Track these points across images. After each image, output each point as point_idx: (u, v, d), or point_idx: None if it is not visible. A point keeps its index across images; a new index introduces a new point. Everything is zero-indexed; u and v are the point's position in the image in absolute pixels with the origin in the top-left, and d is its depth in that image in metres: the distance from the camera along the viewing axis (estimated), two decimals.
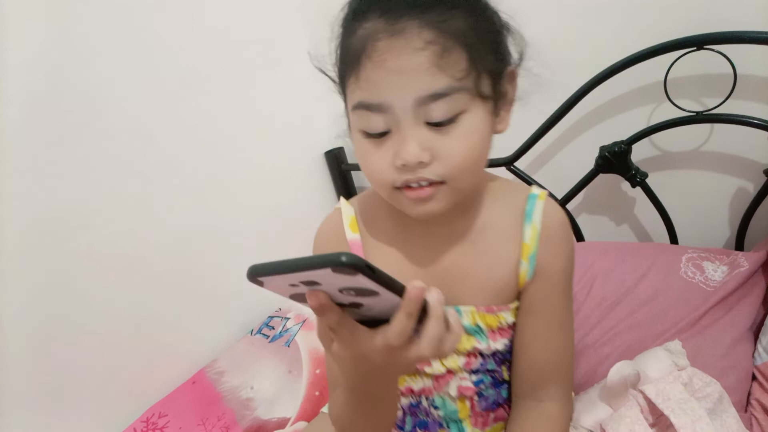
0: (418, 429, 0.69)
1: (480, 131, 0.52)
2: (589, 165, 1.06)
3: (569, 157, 1.15)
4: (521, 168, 1.15)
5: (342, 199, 0.68)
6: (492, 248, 0.61)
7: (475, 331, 0.62)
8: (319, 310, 0.39)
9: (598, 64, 0.99)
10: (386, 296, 0.37)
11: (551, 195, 0.67)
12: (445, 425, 0.67)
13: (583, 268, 0.98)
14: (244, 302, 1.30)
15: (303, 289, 0.37)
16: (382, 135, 0.51)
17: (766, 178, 0.93)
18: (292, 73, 1.32)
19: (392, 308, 0.38)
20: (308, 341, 1.17)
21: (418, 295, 0.38)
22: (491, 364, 0.64)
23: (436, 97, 0.48)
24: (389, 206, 0.58)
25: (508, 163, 1.15)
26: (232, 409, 1.05)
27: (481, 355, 0.63)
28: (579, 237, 1.16)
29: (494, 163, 1.14)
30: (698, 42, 0.89)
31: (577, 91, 1.02)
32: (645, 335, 0.84)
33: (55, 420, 0.99)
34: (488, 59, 0.51)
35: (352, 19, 0.51)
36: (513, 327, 0.63)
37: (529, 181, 1.14)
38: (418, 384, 0.66)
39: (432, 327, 0.40)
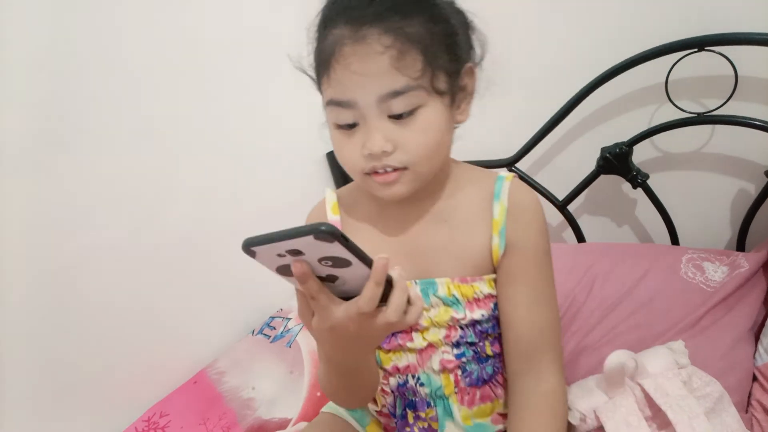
0: (407, 410, 0.71)
1: (437, 123, 0.59)
2: (591, 166, 1.07)
3: (570, 158, 1.15)
4: (523, 169, 1.15)
5: (328, 189, 0.76)
6: (464, 224, 0.66)
7: (452, 302, 0.65)
8: (301, 278, 0.44)
9: (600, 65, 0.99)
10: (358, 268, 0.43)
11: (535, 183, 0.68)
12: (432, 403, 0.69)
13: (583, 268, 0.98)
14: (246, 302, 1.30)
15: (288, 259, 0.43)
16: (352, 127, 0.59)
17: (767, 179, 0.93)
18: (294, 74, 1.32)
19: (363, 282, 0.45)
20: (310, 342, 1.17)
21: (384, 265, 0.44)
22: (471, 337, 0.66)
23: (395, 94, 0.55)
24: (368, 192, 0.66)
25: (510, 164, 1.15)
26: (233, 409, 1.06)
27: (461, 327, 0.66)
28: (580, 238, 1.16)
29: (496, 164, 1.15)
30: (699, 43, 0.89)
31: (579, 93, 1.03)
32: (645, 336, 0.84)
33: (56, 420, 1.00)
34: (443, 59, 0.58)
35: (323, 27, 0.59)
36: (490, 298, 0.66)
37: (530, 182, 1.14)
38: (402, 361, 0.69)
39: (396, 296, 0.47)
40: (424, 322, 0.66)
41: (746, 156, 0.98)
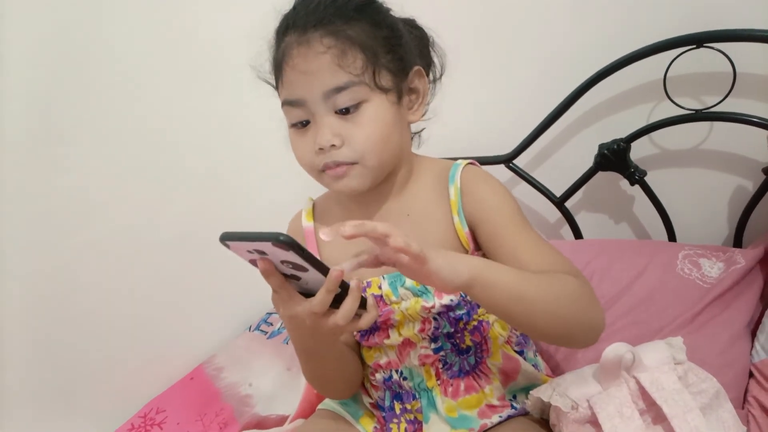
0: (395, 402, 0.74)
1: (382, 118, 0.62)
2: (588, 163, 1.06)
3: (568, 154, 1.15)
4: (520, 165, 1.15)
5: (309, 197, 0.81)
6: (425, 213, 0.69)
7: (421, 291, 0.67)
8: (264, 273, 0.49)
9: (597, 62, 0.99)
10: (315, 274, 0.48)
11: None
12: (417, 396, 0.72)
13: (580, 265, 0.98)
14: (243, 298, 1.30)
15: (256, 256, 0.48)
16: (305, 125, 0.63)
17: (764, 176, 0.93)
18: None
19: (320, 286, 0.49)
20: None
21: (336, 276, 0.47)
22: (446, 326, 0.68)
23: (338, 90, 0.60)
24: (337, 196, 0.73)
25: (507, 160, 1.15)
26: (231, 405, 1.06)
27: (434, 318, 0.68)
28: (578, 235, 1.16)
29: (493, 161, 1.14)
30: (697, 40, 0.89)
31: (576, 89, 1.03)
32: (643, 332, 0.84)
33: (53, 415, 1.00)
34: (386, 58, 0.62)
35: (276, 37, 0.65)
36: None
37: (528, 179, 1.14)
38: (383, 358, 0.72)
39: (347, 304, 0.50)
40: (396, 316, 0.68)
41: (744, 153, 0.98)
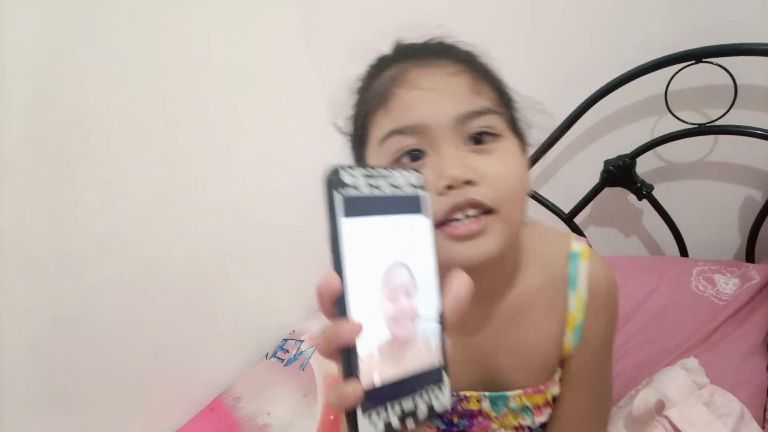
0: None
1: (519, 161, 0.49)
2: (595, 178, 1.06)
3: (574, 171, 1.15)
4: None
5: None
6: (534, 322, 0.56)
7: (522, 409, 0.59)
8: None
9: (599, 79, 1.00)
10: None
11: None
12: None
13: None
14: (259, 326, 1.32)
15: None
16: (415, 160, 0.47)
17: None
18: (299, 92, 1.35)
19: None
20: (323, 365, 1.18)
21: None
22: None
23: (476, 114, 0.46)
24: None
25: None
26: None
27: (529, 428, 0.61)
28: None
29: None
30: (696, 55, 0.89)
31: (580, 106, 1.03)
32: (657, 351, 0.84)
33: None
34: (509, 102, 0.52)
35: (377, 67, 0.53)
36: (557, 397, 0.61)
37: (536, 196, 1.14)
38: None
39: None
40: (494, 425, 0.60)
41: (751, 164, 0.97)
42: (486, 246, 0.45)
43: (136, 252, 1.09)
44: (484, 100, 0.47)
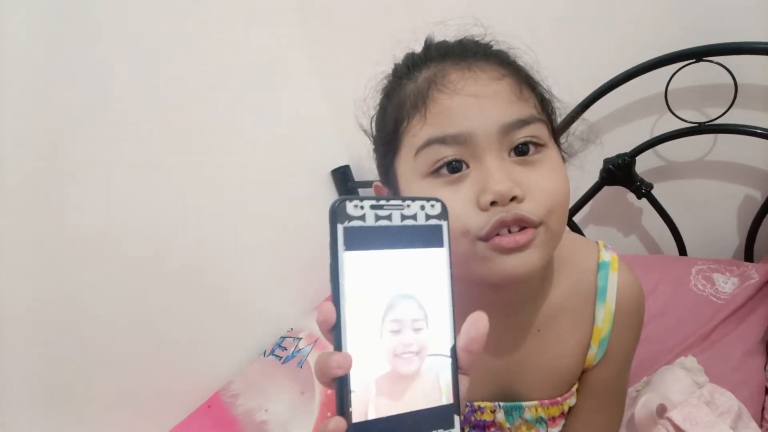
0: None
1: (562, 171, 0.47)
2: (594, 177, 1.06)
3: (573, 169, 1.14)
4: None
5: None
6: (559, 335, 0.54)
7: (537, 421, 0.58)
8: None
9: (599, 77, 0.99)
10: None
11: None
12: None
13: None
14: (257, 323, 1.31)
15: None
16: (455, 171, 0.44)
17: None
18: (298, 92, 1.35)
19: None
20: None
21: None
22: None
23: (522, 123, 0.44)
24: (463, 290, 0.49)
25: None
26: None
27: None
28: None
29: None
30: (697, 54, 0.89)
31: (580, 104, 1.03)
32: (656, 350, 0.84)
33: None
34: (551, 108, 0.50)
35: (409, 70, 0.49)
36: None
37: None
38: None
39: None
40: None
41: (751, 163, 0.97)
42: (531, 259, 0.43)
43: (135, 251, 1.09)
44: (528, 107, 0.45)
